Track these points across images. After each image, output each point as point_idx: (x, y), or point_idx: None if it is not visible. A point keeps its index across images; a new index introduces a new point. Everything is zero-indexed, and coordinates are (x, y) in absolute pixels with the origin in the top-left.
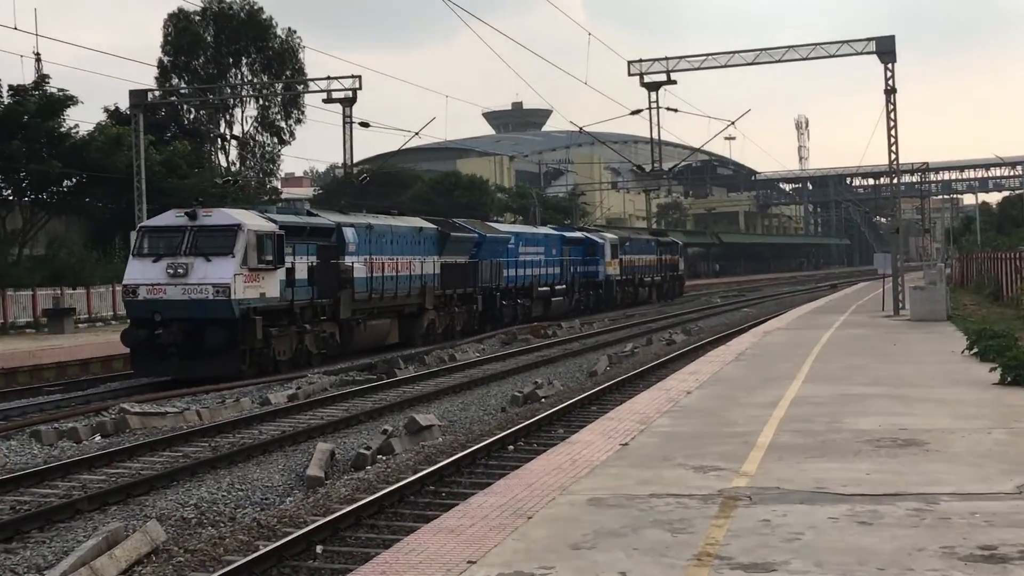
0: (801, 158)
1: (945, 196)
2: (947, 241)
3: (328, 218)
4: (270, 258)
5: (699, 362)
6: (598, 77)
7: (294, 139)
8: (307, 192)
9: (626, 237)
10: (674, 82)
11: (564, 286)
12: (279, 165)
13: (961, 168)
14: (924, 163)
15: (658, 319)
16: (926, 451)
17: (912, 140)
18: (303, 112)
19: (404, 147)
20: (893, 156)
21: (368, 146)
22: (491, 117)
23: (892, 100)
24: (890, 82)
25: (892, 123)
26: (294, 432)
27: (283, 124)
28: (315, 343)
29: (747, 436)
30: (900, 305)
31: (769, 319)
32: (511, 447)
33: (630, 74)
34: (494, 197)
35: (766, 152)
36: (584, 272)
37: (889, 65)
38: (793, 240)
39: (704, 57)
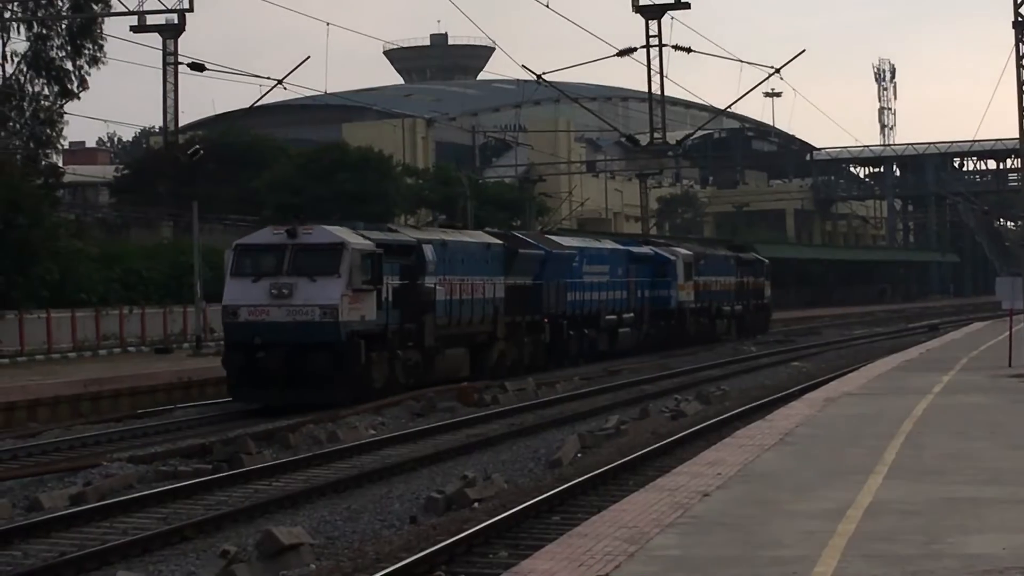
0: (884, 127)
1: None
2: None
3: (408, 234)
4: (369, 278)
5: (722, 447)
6: None
7: (86, 89)
8: (105, 171)
9: (700, 253)
10: (687, 5)
11: (632, 314)
12: (62, 129)
13: None
14: None
15: (655, 378)
16: None
17: None
18: (101, 48)
19: (259, 103)
20: None
21: (203, 102)
22: (399, 58)
23: None
24: (1022, 10)
25: None
26: (80, 555)
27: (69, 66)
28: (403, 371)
29: (796, 564)
30: None
31: (832, 379)
32: None
33: None
34: (401, 183)
35: (829, 117)
36: (653, 297)
37: None
38: (871, 256)
39: None
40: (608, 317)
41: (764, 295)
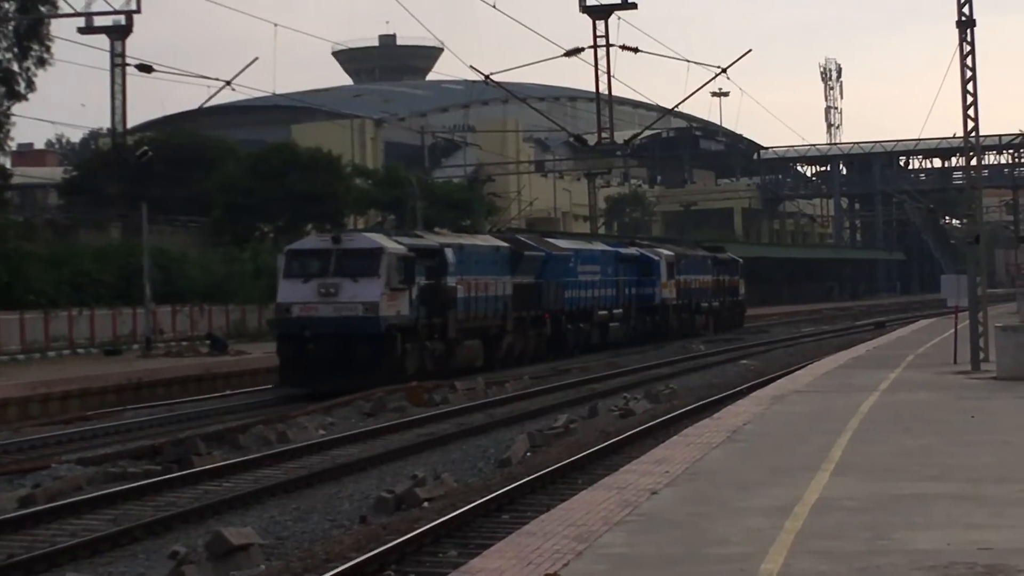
0: (830, 126)
1: None
2: None
3: (432, 239)
4: (403, 279)
5: (670, 444)
6: None
7: (33, 91)
8: (54, 173)
9: (681, 254)
10: (633, 5)
11: (621, 310)
12: (9, 131)
13: None
14: (1018, 134)
15: (604, 377)
16: None
17: (1001, 100)
18: (48, 49)
19: (208, 104)
20: (971, 124)
21: (152, 103)
22: (347, 58)
23: (969, 37)
24: (965, 9)
25: (969, 72)
26: (29, 557)
27: (16, 67)
28: (431, 360)
29: (744, 562)
30: (981, 355)
31: (780, 377)
32: None
33: None
34: (351, 184)
35: (775, 117)
36: (639, 295)
37: None
38: (818, 254)
39: None
40: (600, 313)
41: (739, 292)
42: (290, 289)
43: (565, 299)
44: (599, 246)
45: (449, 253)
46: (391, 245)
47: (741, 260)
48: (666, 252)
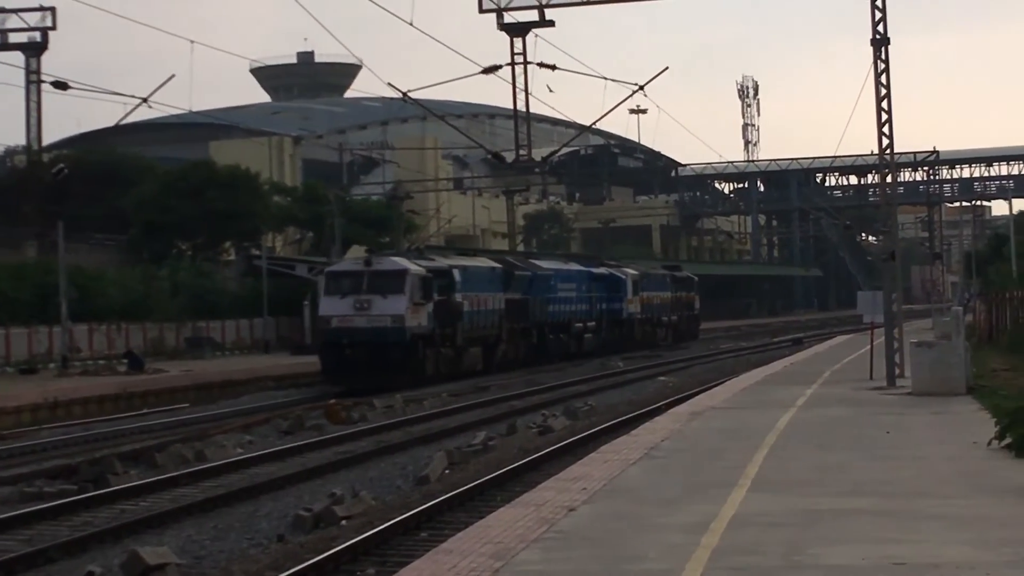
0: (747, 142)
1: (965, 203)
2: (967, 272)
3: (442, 262)
4: (423, 295)
5: (588, 461)
6: (432, 15)
7: None
8: None
9: (644, 272)
10: (551, 23)
11: (594, 323)
12: None
13: (988, 160)
14: (932, 151)
15: (524, 394)
16: None
17: (915, 118)
18: None
19: (125, 122)
20: (886, 141)
21: (68, 121)
22: (265, 76)
23: (883, 54)
24: (880, 27)
25: (883, 90)
26: None
27: None
28: (444, 364)
29: None
30: (897, 371)
31: (698, 393)
32: None
33: (482, 10)
34: (269, 201)
35: (693, 134)
36: (609, 310)
37: (878, 1)
38: (735, 271)
39: None
40: (576, 325)
41: (694, 307)
42: (330, 304)
43: (548, 312)
44: (574, 266)
45: (456, 273)
46: (413, 267)
47: (696, 278)
48: (632, 271)
